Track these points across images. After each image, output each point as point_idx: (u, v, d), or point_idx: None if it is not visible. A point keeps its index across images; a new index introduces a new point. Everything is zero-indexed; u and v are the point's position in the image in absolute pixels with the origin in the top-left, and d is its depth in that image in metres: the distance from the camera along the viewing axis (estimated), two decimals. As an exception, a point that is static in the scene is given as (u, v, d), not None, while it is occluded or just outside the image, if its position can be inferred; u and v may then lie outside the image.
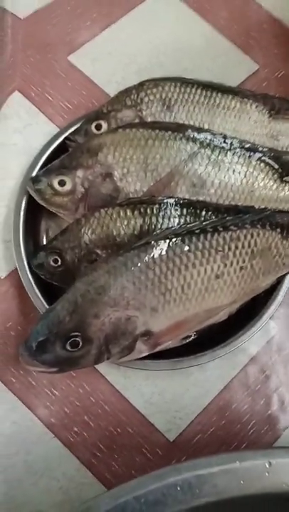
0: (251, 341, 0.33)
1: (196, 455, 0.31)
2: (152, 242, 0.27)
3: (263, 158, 0.34)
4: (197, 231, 0.28)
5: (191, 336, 0.30)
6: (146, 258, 0.27)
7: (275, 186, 0.34)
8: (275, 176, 0.34)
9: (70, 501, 0.30)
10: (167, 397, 0.32)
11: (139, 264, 0.27)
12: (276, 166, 0.34)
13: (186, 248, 0.28)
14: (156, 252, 0.27)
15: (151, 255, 0.27)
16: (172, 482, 0.20)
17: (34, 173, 0.34)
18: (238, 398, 0.33)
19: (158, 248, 0.27)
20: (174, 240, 0.27)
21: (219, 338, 0.32)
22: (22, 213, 0.34)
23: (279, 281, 0.33)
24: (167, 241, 0.27)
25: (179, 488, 0.20)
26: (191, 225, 0.28)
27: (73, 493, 0.30)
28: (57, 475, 0.30)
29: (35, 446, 0.31)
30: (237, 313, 0.31)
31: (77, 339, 0.26)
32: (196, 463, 0.20)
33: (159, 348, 0.29)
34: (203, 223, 0.28)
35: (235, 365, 0.33)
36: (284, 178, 0.34)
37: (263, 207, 0.33)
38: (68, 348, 0.26)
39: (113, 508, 0.19)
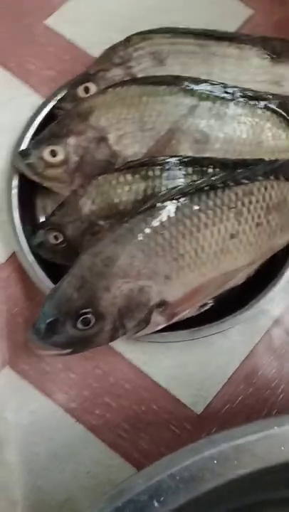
0: (273, 303, 0.32)
1: (225, 426, 0.30)
2: (158, 204, 0.25)
3: (268, 106, 0.31)
4: (206, 188, 0.26)
5: (208, 304, 0.29)
6: (154, 222, 0.25)
7: (284, 135, 0.31)
8: (284, 124, 0.31)
9: (100, 485, 0.29)
10: (190, 369, 0.31)
11: (146, 230, 0.25)
12: (284, 113, 0.31)
13: (196, 208, 0.25)
14: (163, 215, 0.25)
15: (159, 219, 0.25)
16: (208, 455, 0.19)
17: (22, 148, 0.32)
18: (265, 363, 0.31)
19: (165, 210, 0.25)
20: (181, 200, 0.25)
21: (239, 303, 0.30)
22: (14, 192, 0.31)
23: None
24: (174, 202, 0.25)
25: (215, 462, 0.19)
26: (198, 182, 0.26)
27: (102, 476, 0.29)
28: (83, 460, 0.29)
29: (57, 433, 0.29)
30: (255, 275, 0.30)
31: (88, 316, 0.24)
32: (232, 433, 0.19)
33: (176, 319, 0.28)
34: (212, 179, 0.26)
35: (258, 329, 0.32)
36: (293, 126, 0.32)
37: (273, 159, 0.30)
38: (80, 326, 0.24)
39: (147, 489, 0.18)
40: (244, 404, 0.30)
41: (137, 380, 0.31)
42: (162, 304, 0.26)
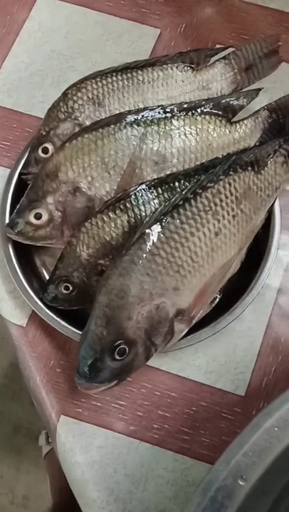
0: (271, 276, 0.35)
1: (271, 396, 0.33)
2: (147, 230, 0.28)
3: (205, 110, 0.35)
4: (180, 202, 0.29)
5: (217, 297, 0.32)
6: (149, 247, 0.28)
7: (227, 131, 0.35)
8: (223, 121, 0.35)
9: (183, 489, 0.31)
10: (221, 359, 0.34)
11: (145, 255, 0.28)
12: (220, 112, 0.35)
13: (178, 222, 0.28)
14: (154, 238, 0.28)
15: (152, 242, 0.28)
16: (269, 426, 0.21)
17: (7, 219, 0.35)
18: (284, 330, 0.34)
19: (154, 233, 0.28)
20: (164, 220, 0.28)
21: (243, 288, 0.33)
22: (14, 260, 0.34)
23: (270, 213, 0.34)
24: (159, 223, 0.28)
25: (276, 429, 0.21)
26: (172, 199, 0.29)
27: (181, 481, 0.31)
28: (160, 473, 0.31)
29: (128, 457, 0.32)
30: (246, 259, 0.33)
31: (122, 346, 0.27)
32: (282, 399, 0.22)
33: (195, 321, 0.30)
34: (183, 193, 0.29)
35: (267, 303, 0.35)
36: (232, 120, 0.35)
37: (225, 154, 0.34)
38: (117, 357, 0.27)
39: (229, 473, 0.20)
40: (279, 372, 0.33)
41: (180, 386, 0.33)
42: (179, 313, 0.29)
